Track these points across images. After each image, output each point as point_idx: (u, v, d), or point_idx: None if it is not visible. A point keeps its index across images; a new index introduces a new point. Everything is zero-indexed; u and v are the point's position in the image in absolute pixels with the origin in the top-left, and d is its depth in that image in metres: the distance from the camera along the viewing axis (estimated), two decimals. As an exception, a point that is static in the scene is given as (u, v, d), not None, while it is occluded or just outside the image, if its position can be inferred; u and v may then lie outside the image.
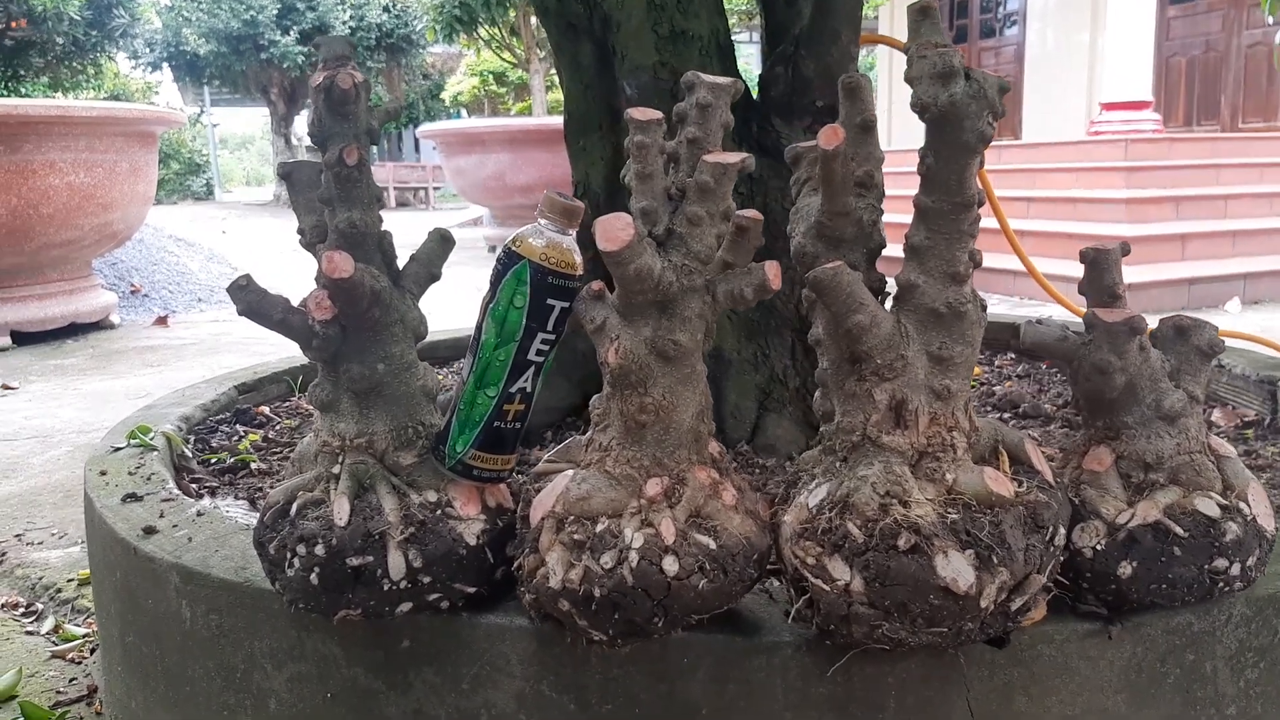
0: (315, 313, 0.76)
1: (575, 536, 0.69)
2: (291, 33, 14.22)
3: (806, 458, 0.77)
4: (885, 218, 0.78)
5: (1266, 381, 1.40)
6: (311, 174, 0.82)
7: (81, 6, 7.22)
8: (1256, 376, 1.42)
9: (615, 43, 1.22)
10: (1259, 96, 7.05)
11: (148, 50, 14.69)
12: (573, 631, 0.71)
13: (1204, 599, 0.75)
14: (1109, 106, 6.17)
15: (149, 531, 0.96)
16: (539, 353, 0.75)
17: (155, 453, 1.21)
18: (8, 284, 3.83)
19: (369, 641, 0.80)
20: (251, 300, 0.75)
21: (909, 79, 0.69)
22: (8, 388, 3.13)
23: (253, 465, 1.26)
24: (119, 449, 1.23)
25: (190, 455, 1.29)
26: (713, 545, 0.69)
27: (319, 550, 0.73)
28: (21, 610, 1.52)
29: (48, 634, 1.44)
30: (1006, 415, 1.40)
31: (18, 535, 1.81)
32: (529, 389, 0.76)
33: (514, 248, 0.73)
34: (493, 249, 7.14)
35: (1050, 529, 0.69)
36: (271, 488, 1.09)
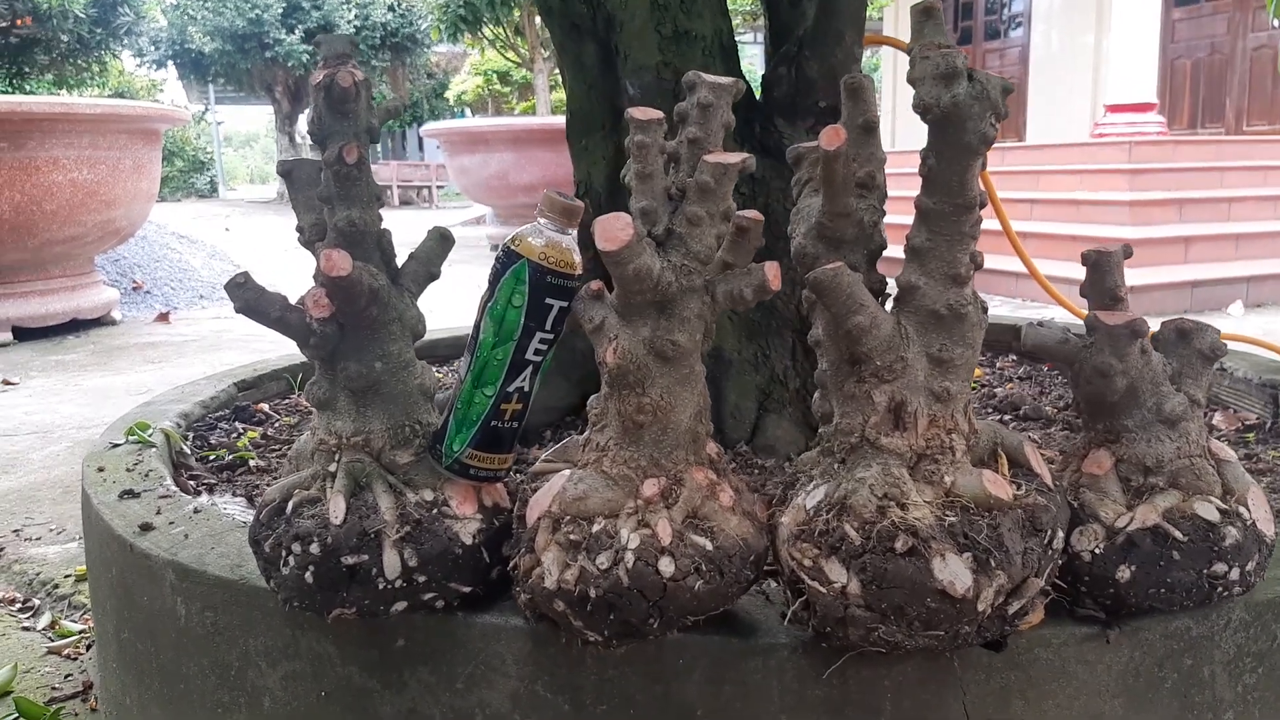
0: (313, 310, 0.76)
1: (571, 537, 0.68)
2: (296, 31, 14.24)
3: (805, 459, 0.77)
4: (888, 219, 0.77)
5: (1268, 385, 1.40)
6: (311, 172, 0.81)
7: (86, 4, 7.23)
8: (1258, 380, 1.42)
9: (618, 43, 1.22)
10: (1264, 99, 7.04)
11: (153, 48, 14.72)
12: (568, 632, 0.71)
13: (1202, 603, 0.75)
14: (1113, 109, 6.16)
15: (145, 528, 0.96)
16: (537, 352, 0.75)
17: (153, 449, 1.21)
18: (10, 279, 3.84)
19: (364, 640, 0.80)
20: (249, 297, 0.75)
21: (911, 80, 0.68)
22: (8, 383, 3.13)
23: (251, 462, 1.26)
24: (117, 445, 1.23)
25: (189, 452, 1.29)
26: (709, 546, 0.68)
27: (314, 549, 0.73)
28: (18, 606, 1.52)
29: (44, 630, 1.44)
30: (1007, 417, 1.40)
31: (16, 530, 1.81)
32: (527, 388, 0.76)
33: (513, 246, 0.73)
34: (495, 248, 7.14)
35: (1048, 532, 0.69)
36: (269, 485, 1.09)
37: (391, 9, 15.18)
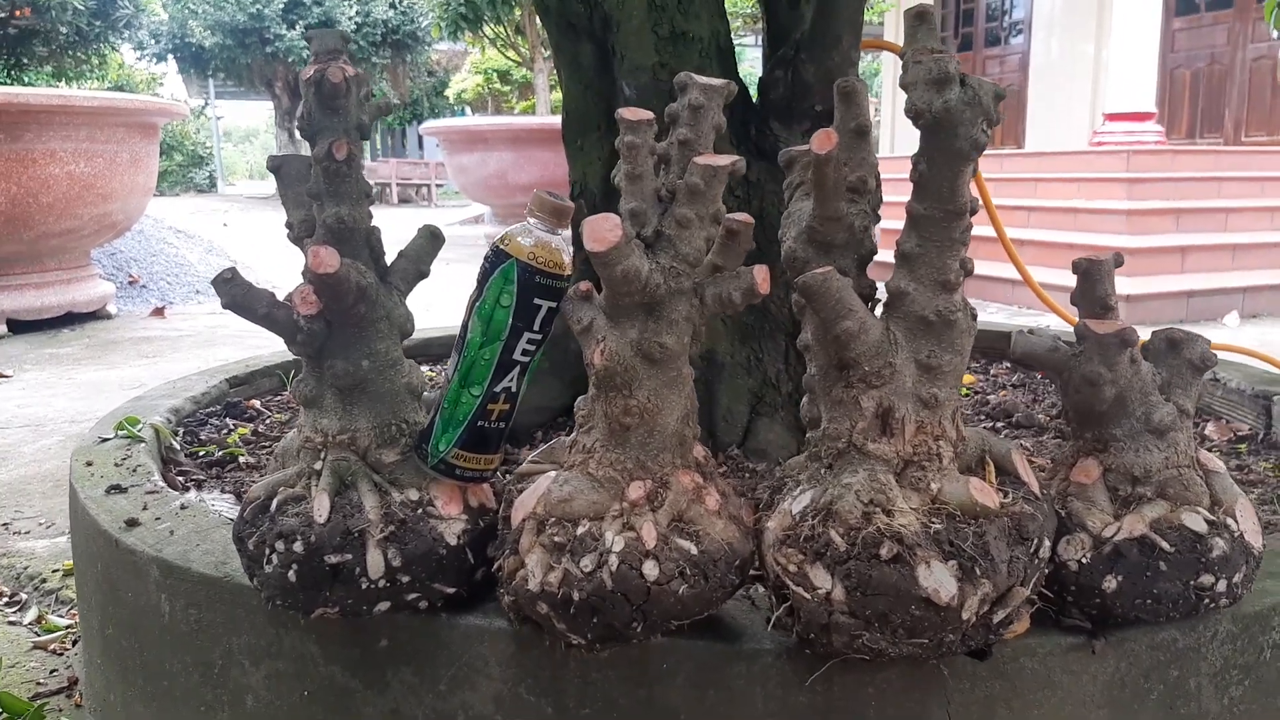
0: (300, 307, 0.75)
1: (555, 539, 0.68)
2: (297, 27, 14.23)
3: (793, 464, 0.76)
4: (887, 224, 0.77)
5: (1261, 396, 1.40)
6: (301, 168, 0.81)
7: (86, -4, 7.21)
8: (1252, 391, 1.42)
9: (615, 43, 1.21)
10: (1263, 110, 7.05)
11: (153, 42, 14.71)
12: (551, 634, 0.70)
13: (1189, 615, 0.75)
14: (1112, 117, 6.16)
15: (131, 524, 0.95)
16: (525, 353, 0.74)
17: (142, 444, 1.21)
18: (5, 272, 3.83)
19: (347, 640, 0.79)
20: (236, 293, 0.74)
21: (904, 84, 0.68)
22: (2, 376, 3.13)
23: (241, 459, 1.26)
24: (106, 440, 1.23)
25: (178, 448, 1.28)
26: (694, 550, 0.68)
27: (297, 547, 0.72)
28: (5, 600, 1.52)
29: (30, 624, 1.43)
30: (1000, 424, 1.39)
31: (5, 524, 1.81)
32: (514, 389, 0.76)
33: (502, 246, 0.73)
34: (493, 247, 7.13)
35: (1035, 541, 0.68)
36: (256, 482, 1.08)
37: (393, 6, 15.18)
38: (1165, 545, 0.72)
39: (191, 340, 3.76)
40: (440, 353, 1.76)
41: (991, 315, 4.16)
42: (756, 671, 0.72)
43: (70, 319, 4.03)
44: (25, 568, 1.61)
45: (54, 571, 1.59)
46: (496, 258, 0.73)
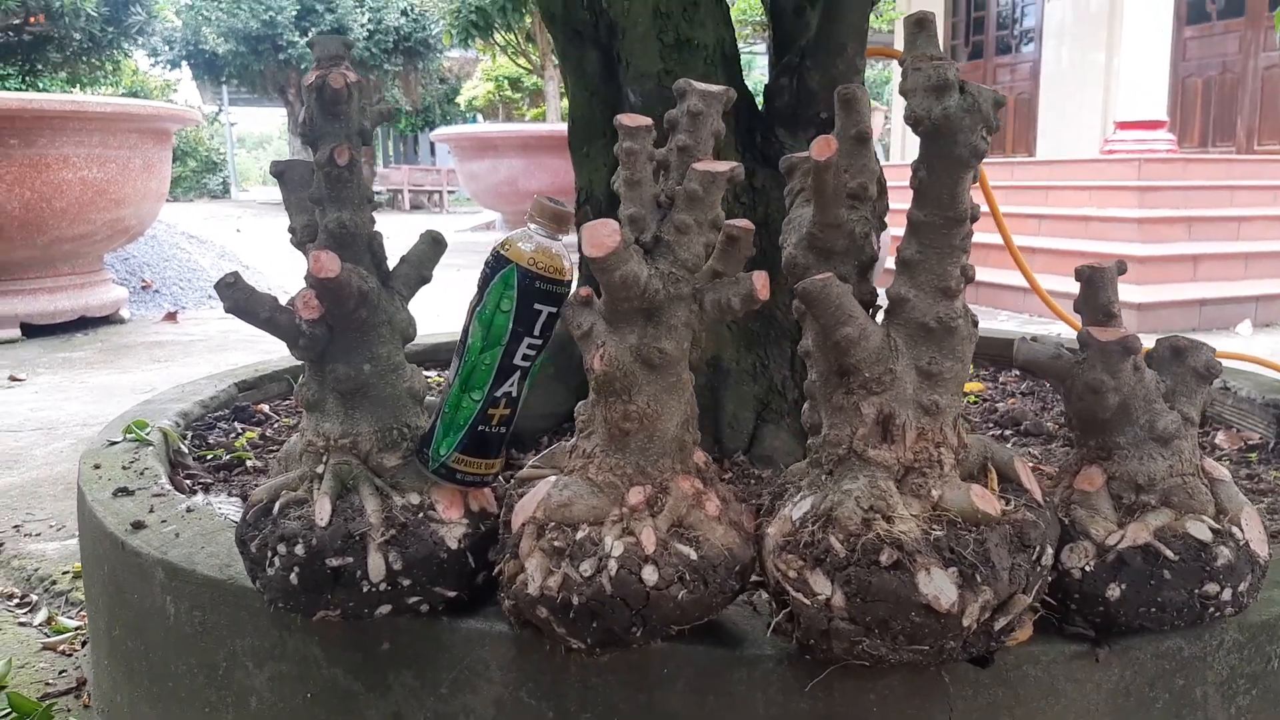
0: (302, 312, 0.76)
1: (555, 543, 0.68)
2: (310, 34, 14.33)
3: (794, 470, 0.76)
4: (894, 230, 0.77)
5: (1272, 405, 1.39)
6: (304, 173, 0.81)
7: (99, 3, 7.27)
8: (1262, 400, 1.41)
9: (621, 50, 1.22)
10: (1275, 119, 7.01)
11: (167, 48, 14.83)
12: (551, 639, 0.70)
13: (1194, 623, 0.74)
14: (1123, 125, 6.14)
15: (137, 526, 0.96)
16: (525, 358, 0.74)
17: (151, 448, 1.22)
18: (19, 276, 3.85)
19: (349, 643, 0.80)
20: (238, 298, 0.75)
21: (903, 91, 0.68)
22: (15, 379, 3.15)
23: (249, 463, 1.26)
24: (115, 443, 1.24)
25: (186, 451, 1.29)
26: (694, 556, 0.68)
27: (299, 550, 0.73)
28: (16, 601, 1.53)
29: (40, 625, 1.44)
30: (1009, 432, 1.39)
31: (16, 526, 1.82)
32: (514, 394, 0.76)
33: (502, 251, 0.73)
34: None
35: (1037, 548, 0.68)
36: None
37: (404, 14, 15.27)
38: (1169, 553, 0.72)
39: (203, 345, 3.78)
40: (449, 358, 1.76)
41: (1002, 323, 4.14)
42: (757, 677, 0.72)
43: (83, 323, 4.06)
44: (36, 569, 1.62)
45: (64, 573, 1.60)
46: (497, 263, 0.73)
